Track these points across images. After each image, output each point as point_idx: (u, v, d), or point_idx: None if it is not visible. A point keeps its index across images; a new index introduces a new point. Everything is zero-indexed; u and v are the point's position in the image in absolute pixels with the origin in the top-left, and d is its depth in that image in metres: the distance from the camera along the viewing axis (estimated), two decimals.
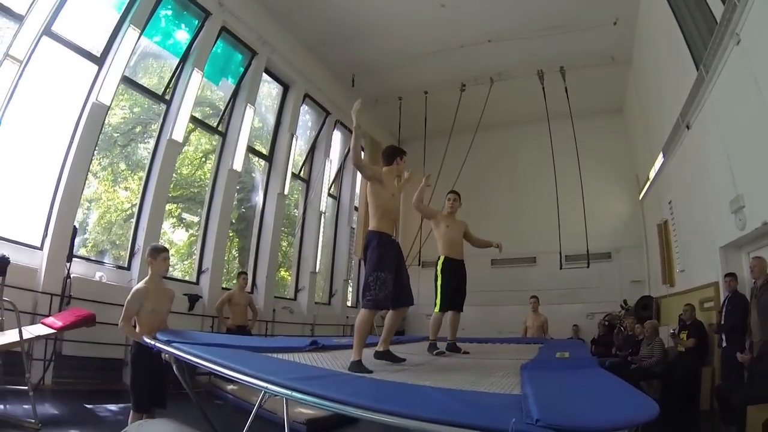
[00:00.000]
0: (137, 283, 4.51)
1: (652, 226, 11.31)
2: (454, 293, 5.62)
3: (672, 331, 7.89)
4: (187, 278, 9.12)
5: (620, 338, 9.44)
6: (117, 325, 4.17)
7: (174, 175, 8.84)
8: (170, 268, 8.96)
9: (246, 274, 8.46)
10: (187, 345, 3.29)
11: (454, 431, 1.55)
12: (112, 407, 5.74)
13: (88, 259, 7.41)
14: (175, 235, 9.77)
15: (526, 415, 1.49)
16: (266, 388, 2.30)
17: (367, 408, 1.79)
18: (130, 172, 8.46)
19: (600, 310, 11.86)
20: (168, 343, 3.35)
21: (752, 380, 4.92)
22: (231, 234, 10.69)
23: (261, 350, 3.96)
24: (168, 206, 9.15)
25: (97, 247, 8.08)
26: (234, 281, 10.31)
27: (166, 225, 9.29)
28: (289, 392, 2.17)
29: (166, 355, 3.48)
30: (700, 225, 7.99)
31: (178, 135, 8.22)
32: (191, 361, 2.99)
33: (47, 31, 6.46)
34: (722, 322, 6.42)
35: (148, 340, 3.62)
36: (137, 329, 4.15)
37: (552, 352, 4.36)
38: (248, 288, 9.99)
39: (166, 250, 4.47)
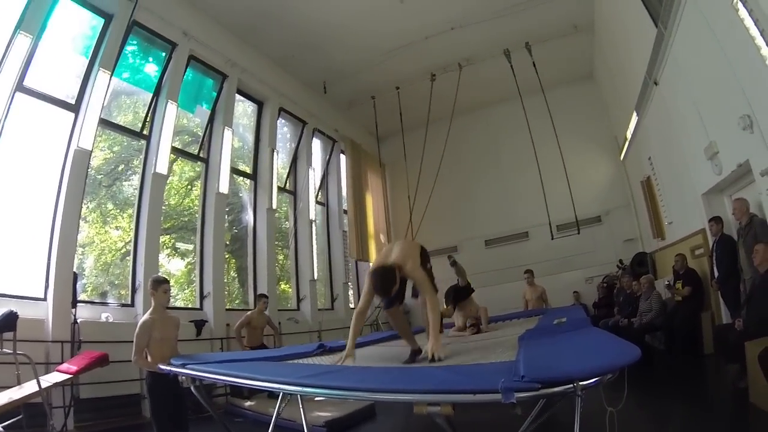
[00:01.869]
0: (141, 317, 4.70)
1: (636, 183, 11.54)
2: None
3: (667, 283, 8.09)
4: (189, 305, 9.15)
5: (620, 298, 9.61)
6: (130, 361, 4.36)
7: (163, 207, 8.83)
8: (171, 299, 9.15)
9: (266, 297, 8.45)
10: (201, 365, 3.40)
11: (454, 398, 1.69)
12: None
13: (92, 302, 7.42)
14: (171, 265, 9.76)
15: (514, 375, 1.63)
16: (281, 389, 2.42)
17: (374, 390, 1.92)
18: (118, 210, 8.47)
19: (598, 273, 12.05)
20: (183, 366, 3.47)
21: (747, 317, 5.08)
22: (227, 255, 10.73)
23: (272, 359, 4.09)
24: (161, 238, 9.18)
25: (97, 290, 8.06)
26: (236, 301, 10.46)
27: (162, 257, 9.21)
28: (301, 389, 2.30)
29: (183, 378, 3.59)
30: (680, 176, 8.21)
31: (162, 167, 8.22)
32: (207, 377, 3.11)
33: (20, 87, 6.45)
34: (714, 267, 6.60)
35: (163, 367, 3.74)
36: (149, 360, 4.29)
37: (550, 320, 4.50)
38: (251, 305, 10.13)
39: (166, 281, 4.67)
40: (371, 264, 4.47)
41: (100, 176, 8.29)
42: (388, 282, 3.85)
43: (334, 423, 5.45)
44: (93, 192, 8.13)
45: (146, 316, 4.47)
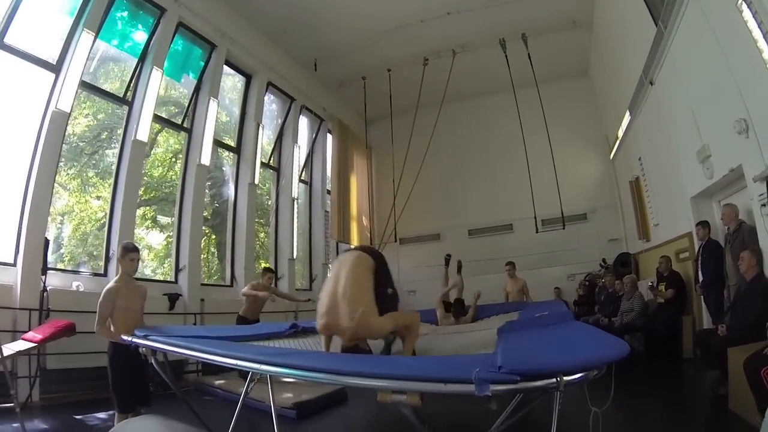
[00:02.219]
0: None
1: (624, 183, 11.47)
2: None
3: (650, 284, 8.04)
4: (167, 278, 9.00)
5: (602, 296, 9.57)
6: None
7: (145, 177, 8.75)
8: (150, 272, 8.99)
9: (272, 271, 8.24)
10: (164, 336, 3.23)
11: (421, 387, 1.55)
12: (102, 415, 5.61)
13: (63, 270, 7.27)
14: (151, 238, 9.61)
15: (491, 366, 1.48)
16: (237, 365, 2.28)
17: (335, 372, 1.78)
18: (100, 180, 8.26)
19: (580, 271, 12.05)
20: (145, 337, 3.29)
21: (731, 323, 5.02)
22: (207, 231, 10.61)
23: (241, 339, 3.93)
24: (142, 210, 9.10)
25: (74, 260, 7.91)
26: (215, 278, 10.28)
27: (142, 230, 9.23)
28: (256, 365, 2.16)
29: (144, 351, 3.42)
30: (670, 178, 8.14)
31: (143, 135, 8.04)
32: (168, 350, 2.95)
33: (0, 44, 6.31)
34: (699, 271, 6.54)
35: (125, 338, 3.55)
36: (112, 329, 4.14)
37: (532, 314, 4.39)
38: (228, 281, 10.02)
39: (136, 250, 4.45)
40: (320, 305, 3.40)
41: (82, 143, 8.11)
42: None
43: (303, 405, 5.34)
44: (74, 159, 7.97)
45: (111, 283, 4.26)
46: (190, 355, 2.70)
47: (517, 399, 1.56)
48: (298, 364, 1.97)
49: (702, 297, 6.71)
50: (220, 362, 2.46)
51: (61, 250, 7.82)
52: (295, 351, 3.04)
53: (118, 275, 4.36)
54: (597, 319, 8.52)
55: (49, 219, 7.29)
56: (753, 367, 3.71)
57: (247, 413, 3.41)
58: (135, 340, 3.32)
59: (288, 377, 2.07)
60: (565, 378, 1.39)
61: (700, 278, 6.55)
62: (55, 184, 7.20)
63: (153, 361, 3.40)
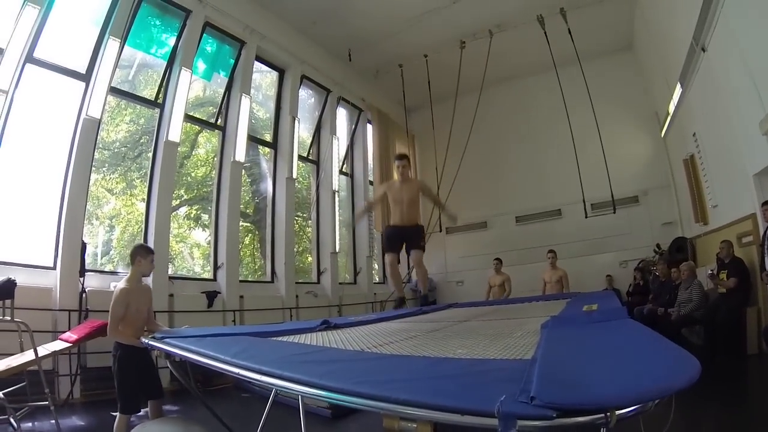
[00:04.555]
0: (151, 287, 4.91)
1: (678, 162, 10.77)
2: (392, 242, 6.05)
3: (710, 272, 7.36)
4: (204, 276, 9.08)
5: (655, 285, 9.01)
6: None
7: (189, 178, 9.03)
8: (201, 269, 9.31)
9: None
10: (178, 339, 3.02)
11: (433, 416, 1.24)
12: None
13: (101, 272, 7.50)
14: (197, 236, 9.91)
15: (521, 391, 1.16)
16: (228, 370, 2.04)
17: (339, 391, 1.49)
18: (143, 182, 8.48)
19: (633, 257, 11.48)
20: (161, 339, 3.10)
21: None
22: (250, 226, 10.73)
23: (268, 335, 3.66)
24: (186, 209, 9.51)
25: (124, 260, 8.09)
26: (259, 273, 10.28)
27: (185, 229, 9.57)
28: (254, 375, 1.91)
29: (158, 353, 3.27)
30: (729, 154, 7.48)
31: (174, 136, 8.17)
32: (180, 355, 2.73)
33: (30, 59, 6.59)
34: (764, 257, 5.96)
35: (145, 340, 3.37)
36: (122, 331, 4.19)
37: (580, 306, 4.01)
38: (269, 277, 9.95)
39: (153, 252, 4.63)
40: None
41: (124, 148, 8.48)
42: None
43: (340, 407, 5.10)
44: (118, 164, 8.35)
45: (122, 284, 4.29)
46: (197, 361, 2.46)
47: None
48: (295, 377, 1.69)
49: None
50: (223, 369, 2.21)
51: (111, 253, 8.22)
52: (318, 350, 2.75)
53: (130, 275, 4.39)
54: (653, 310, 7.98)
55: (97, 222, 7.92)
56: None
57: (280, 412, 3.34)
58: (151, 342, 3.13)
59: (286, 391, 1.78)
60: (617, 412, 1.06)
61: (767, 265, 5.96)
62: (102, 189, 7.83)
63: (168, 364, 3.21)
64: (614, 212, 10.19)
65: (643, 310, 8.20)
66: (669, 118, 10.76)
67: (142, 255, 4.39)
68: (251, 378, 1.96)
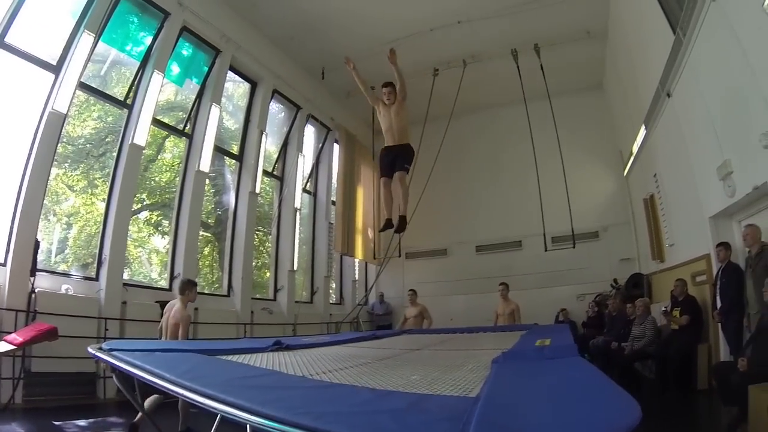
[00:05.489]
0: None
1: (638, 201, 11.05)
2: (385, 165, 6.29)
3: (664, 309, 7.55)
4: (160, 284, 8.89)
5: (610, 319, 9.14)
6: (85, 337, 5.51)
7: (152, 182, 8.84)
8: (158, 276, 9.17)
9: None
10: (126, 353, 2.87)
11: None
12: (82, 422, 5.55)
13: (53, 272, 7.20)
14: (156, 242, 9.67)
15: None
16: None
17: (275, 420, 1.43)
18: (105, 182, 8.20)
19: (590, 291, 11.66)
20: (109, 351, 2.94)
21: (752, 358, 4.58)
22: (210, 237, 10.55)
23: (219, 353, 3.54)
24: (147, 214, 9.31)
25: (78, 261, 7.93)
26: (216, 286, 10.08)
27: (145, 234, 9.33)
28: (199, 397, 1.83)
29: (105, 366, 3.13)
30: (687, 196, 7.68)
31: (141, 139, 7.99)
32: (124, 370, 2.59)
33: (1, 43, 6.40)
34: (717, 296, 6.09)
35: (91, 351, 3.20)
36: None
37: (533, 340, 4.00)
38: (225, 291, 9.73)
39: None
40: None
41: (89, 145, 8.23)
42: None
43: None
44: (81, 161, 8.11)
45: (187, 311, 5.45)
46: (143, 378, 2.34)
47: None
48: (238, 403, 1.62)
49: (719, 324, 6.23)
50: (168, 389, 2.10)
51: (66, 252, 7.90)
52: (266, 373, 2.65)
53: (183, 303, 5.49)
54: (607, 343, 8.07)
55: (54, 219, 7.64)
56: None
57: (228, 428, 3.12)
58: (97, 354, 2.96)
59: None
60: None
61: (718, 304, 6.06)
62: (62, 185, 7.60)
63: (114, 378, 3.06)
64: (574, 247, 10.31)
65: (598, 343, 8.29)
66: (632, 158, 11.02)
67: (189, 288, 5.60)
68: (195, 401, 1.87)
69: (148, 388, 3.06)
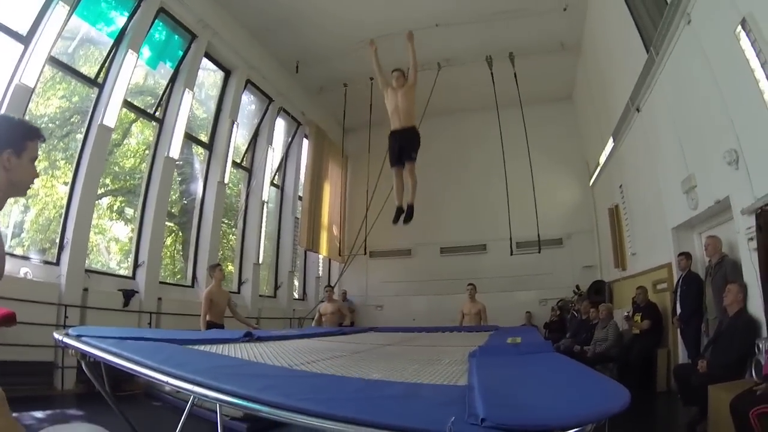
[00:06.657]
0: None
1: (603, 211, 11.31)
2: (394, 153, 6.73)
3: (626, 314, 7.87)
4: (127, 274, 8.52)
5: (574, 323, 9.36)
6: (44, 324, 5.50)
7: (116, 167, 8.49)
8: (117, 265, 8.94)
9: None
10: (97, 339, 2.81)
11: None
12: (39, 414, 5.18)
13: (12, 255, 6.76)
14: (117, 230, 9.31)
15: (469, 413, 1.17)
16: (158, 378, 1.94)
17: (275, 405, 1.44)
18: (68, 165, 7.85)
19: (553, 296, 11.90)
20: (78, 337, 2.87)
21: (711, 359, 4.81)
22: (175, 227, 10.30)
23: (189, 342, 3.52)
24: (109, 200, 8.92)
25: (35, 246, 7.56)
26: (178, 276, 9.89)
27: (107, 221, 8.99)
28: (189, 386, 1.81)
29: (73, 353, 3.01)
30: (651, 207, 7.99)
31: (110, 120, 7.65)
32: (98, 357, 2.54)
33: None
34: (677, 303, 6.35)
35: (58, 337, 3.11)
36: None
37: (503, 338, 4.10)
38: (189, 282, 9.63)
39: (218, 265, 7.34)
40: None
41: (52, 125, 7.79)
42: None
43: (256, 417, 4.92)
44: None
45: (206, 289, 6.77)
46: (123, 367, 2.29)
47: None
48: (229, 389, 1.63)
49: (679, 330, 6.51)
50: (155, 379, 2.07)
51: (22, 235, 7.47)
52: (247, 363, 2.66)
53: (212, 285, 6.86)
54: (570, 346, 8.28)
55: (12, 201, 6.97)
56: (741, 407, 3.49)
57: (193, 422, 3.04)
58: (65, 339, 2.89)
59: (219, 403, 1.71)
60: None
61: (678, 310, 6.35)
62: None
63: (84, 365, 2.97)
64: (539, 252, 10.54)
65: (560, 346, 8.49)
66: (599, 169, 11.31)
67: (211, 270, 7.24)
68: (187, 389, 1.84)
69: (118, 376, 3.00)
